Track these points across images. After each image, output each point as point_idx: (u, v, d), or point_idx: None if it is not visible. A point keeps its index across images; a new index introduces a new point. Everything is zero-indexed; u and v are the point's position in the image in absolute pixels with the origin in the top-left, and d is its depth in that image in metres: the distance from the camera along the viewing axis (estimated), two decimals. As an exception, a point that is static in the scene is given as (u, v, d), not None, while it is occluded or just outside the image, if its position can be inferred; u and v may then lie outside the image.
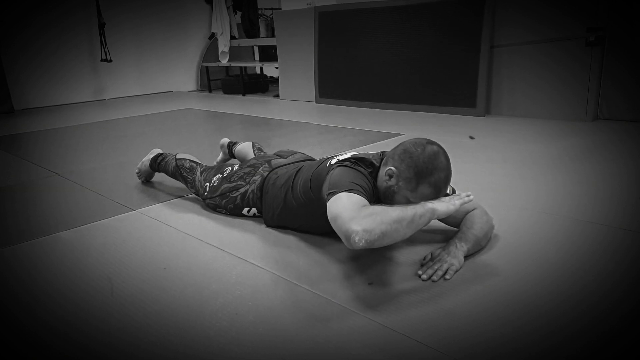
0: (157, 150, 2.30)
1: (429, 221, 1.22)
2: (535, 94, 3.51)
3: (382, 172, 1.39)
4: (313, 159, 1.93)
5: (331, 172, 1.38)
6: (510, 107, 3.65)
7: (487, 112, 3.73)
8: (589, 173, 2.19)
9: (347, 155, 1.45)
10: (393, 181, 1.34)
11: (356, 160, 1.41)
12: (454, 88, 3.81)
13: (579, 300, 1.19)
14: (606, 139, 2.82)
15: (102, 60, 5.54)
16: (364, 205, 1.21)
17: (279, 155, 1.96)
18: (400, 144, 1.39)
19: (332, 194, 1.27)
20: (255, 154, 2.18)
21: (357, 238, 1.11)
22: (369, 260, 1.43)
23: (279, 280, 1.35)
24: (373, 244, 1.12)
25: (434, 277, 1.29)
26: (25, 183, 2.47)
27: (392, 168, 1.34)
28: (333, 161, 1.45)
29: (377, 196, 1.40)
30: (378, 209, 1.19)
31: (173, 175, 2.10)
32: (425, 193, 1.31)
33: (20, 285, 1.40)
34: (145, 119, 4.45)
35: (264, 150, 2.24)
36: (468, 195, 1.29)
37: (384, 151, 1.48)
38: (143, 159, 2.30)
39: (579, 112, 3.33)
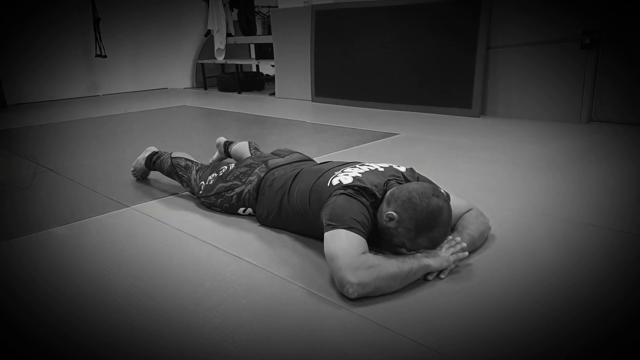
0: (152, 149, 2.28)
1: (420, 276, 1.28)
2: (531, 95, 3.52)
3: (383, 209, 1.35)
4: (310, 159, 1.93)
5: (333, 199, 1.36)
6: (506, 108, 3.66)
7: (482, 112, 3.74)
8: (583, 174, 2.20)
9: (350, 179, 1.41)
10: (392, 224, 1.32)
11: (359, 189, 1.38)
12: (449, 88, 3.82)
13: (578, 300, 1.19)
14: (600, 140, 2.84)
15: (96, 55, 5.51)
16: (363, 252, 1.24)
17: (275, 154, 1.94)
18: (406, 187, 1.34)
19: (332, 227, 1.28)
20: (251, 153, 2.17)
21: (350, 290, 1.18)
22: None
23: (274, 278, 1.35)
24: (364, 296, 1.20)
25: (429, 277, 1.29)
26: (17, 179, 2.44)
27: (394, 214, 1.30)
28: (335, 181, 1.42)
29: (375, 228, 1.38)
30: (376, 261, 1.22)
31: (168, 174, 2.09)
32: (422, 245, 1.32)
33: (14, 280, 1.38)
34: (140, 115, 4.42)
35: (261, 150, 2.22)
36: (462, 248, 1.34)
37: (388, 180, 1.43)
38: (138, 158, 2.29)
39: (573, 114, 3.35)
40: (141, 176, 2.31)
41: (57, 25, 5.38)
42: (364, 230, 1.29)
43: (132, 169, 2.31)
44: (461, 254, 1.33)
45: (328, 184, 1.43)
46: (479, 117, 3.69)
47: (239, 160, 2.22)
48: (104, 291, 1.30)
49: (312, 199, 1.47)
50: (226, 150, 2.41)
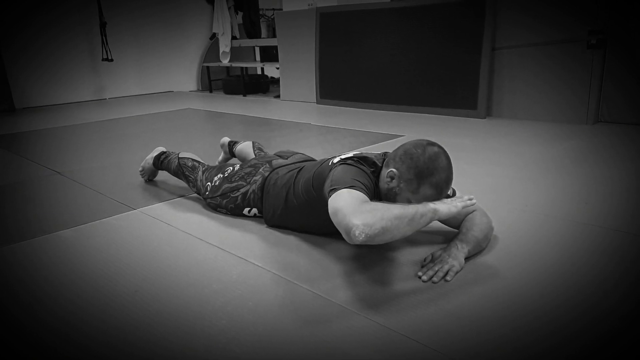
0: (161, 149, 2.30)
1: (430, 221, 1.22)
2: (537, 96, 3.51)
3: (384, 173, 1.39)
4: (314, 160, 1.94)
5: (333, 169, 1.39)
6: (511, 109, 3.66)
7: (488, 114, 3.74)
8: (589, 175, 2.19)
9: (350, 154, 1.45)
10: (394, 183, 1.34)
11: (359, 159, 1.41)
12: (454, 90, 3.81)
13: (578, 301, 1.19)
14: (607, 141, 2.83)
15: (103, 59, 5.55)
16: (365, 201, 1.21)
17: (279, 155, 1.96)
18: (401, 145, 1.40)
19: (334, 190, 1.27)
20: (255, 154, 2.18)
21: (357, 232, 1.10)
22: (370, 261, 1.43)
23: (280, 280, 1.35)
24: (373, 239, 1.11)
25: (435, 279, 1.29)
26: (25, 181, 2.47)
27: (394, 170, 1.34)
28: (336, 160, 1.45)
29: (378, 196, 1.40)
30: (379, 205, 1.20)
31: (175, 173, 2.11)
32: (427, 194, 1.31)
33: (20, 284, 1.40)
34: (146, 118, 4.45)
35: (265, 150, 2.24)
36: (470, 199, 1.29)
37: (386, 152, 1.48)
38: (146, 157, 2.31)
39: (580, 115, 3.33)
40: (149, 177, 2.33)
41: (64, 30, 5.43)
42: (366, 190, 1.28)
43: (140, 169, 2.33)
44: (469, 202, 1.28)
45: (330, 164, 1.46)
46: (484, 118, 3.68)
47: (243, 160, 2.23)
48: (110, 293, 1.31)
49: (314, 182, 1.49)
50: (231, 150, 2.42)
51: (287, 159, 1.90)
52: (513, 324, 1.10)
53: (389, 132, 3.29)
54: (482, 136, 3.10)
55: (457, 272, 1.32)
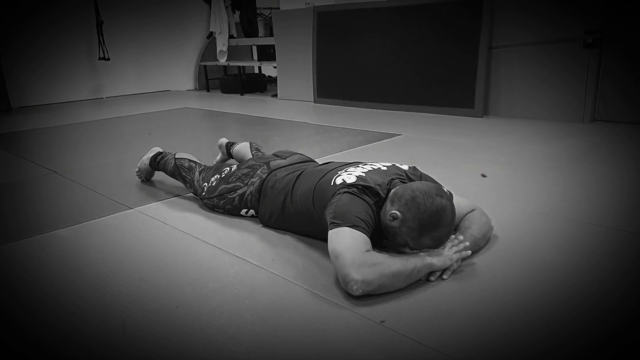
0: (157, 149, 2.30)
1: (424, 275, 1.28)
2: (533, 95, 3.52)
3: (387, 208, 1.36)
4: (312, 160, 1.93)
5: (337, 197, 1.37)
6: (509, 108, 3.66)
7: (485, 113, 3.74)
8: (587, 174, 2.19)
9: (354, 178, 1.41)
10: (396, 224, 1.32)
11: (363, 188, 1.38)
12: (452, 89, 3.82)
13: (578, 301, 1.19)
14: (604, 140, 2.83)
15: (100, 58, 5.53)
16: (367, 250, 1.24)
17: (277, 156, 1.94)
18: (410, 186, 1.35)
19: (336, 225, 1.29)
20: (253, 154, 2.18)
21: (355, 287, 1.19)
22: None
23: (277, 279, 1.35)
24: (368, 293, 1.20)
25: (431, 277, 1.29)
26: (22, 181, 2.46)
27: (397, 213, 1.31)
28: (339, 180, 1.43)
29: (378, 227, 1.39)
30: (380, 258, 1.23)
31: (172, 174, 2.10)
32: (425, 244, 1.32)
33: (17, 283, 1.39)
34: (143, 117, 4.44)
35: (262, 151, 2.23)
36: (465, 247, 1.34)
37: (392, 179, 1.44)
38: (143, 158, 2.30)
39: (576, 114, 3.34)
40: (146, 177, 2.32)
41: (61, 29, 5.41)
42: (367, 229, 1.30)
43: (136, 169, 2.32)
44: (464, 253, 1.33)
45: (331, 183, 1.44)
46: (481, 117, 3.68)
47: (240, 161, 2.23)
48: (107, 293, 1.31)
49: (315, 199, 1.48)
50: (228, 151, 2.42)
51: (285, 159, 1.88)
52: (512, 323, 1.10)
53: (387, 131, 3.29)
54: (480, 135, 3.10)
55: (453, 271, 1.33)
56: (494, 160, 2.48)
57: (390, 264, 1.22)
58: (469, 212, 1.51)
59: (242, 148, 2.30)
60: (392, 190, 1.38)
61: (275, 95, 5.41)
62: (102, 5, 5.46)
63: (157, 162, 2.19)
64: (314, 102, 4.84)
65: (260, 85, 6.12)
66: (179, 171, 2.04)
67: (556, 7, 3.27)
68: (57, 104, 5.49)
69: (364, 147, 2.87)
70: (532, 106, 3.54)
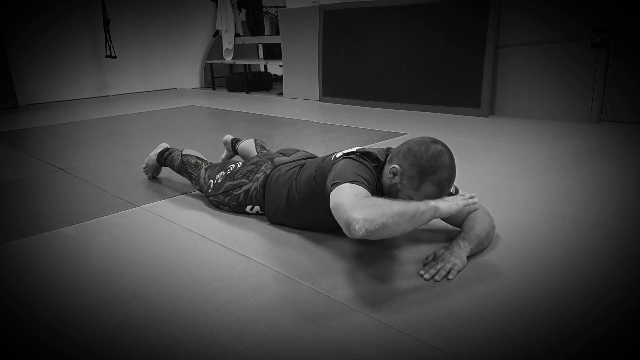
0: (165, 145, 2.31)
1: (431, 219, 1.23)
2: (540, 95, 3.50)
3: (387, 169, 1.39)
4: (316, 157, 1.94)
5: (336, 163, 1.40)
6: (515, 107, 3.65)
7: (491, 112, 3.73)
8: (592, 174, 2.18)
9: (353, 149, 1.45)
10: (397, 179, 1.34)
11: (362, 154, 1.41)
12: (458, 88, 3.81)
13: (579, 300, 1.19)
14: (610, 140, 2.82)
15: (106, 56, 5.56)
16: (366, 196, 1.23)
17: (282, 153, 1.96)
18: (405, 142, 1.40)
19: (336, 184, 1.28)
20: (257, 152, 2.19)
21: (357, 226, 1.11)
22: (372, 258, 1.44)
23: (282, 277, 1.36)
24: (373, 234, 1.12)
25: (437, 277, 1.29)
26: (29, 178, 2.48)
27: (396, 166, 1.34)
28: (338, 154, 1.46)
29: (380, 191, 1.41)
30: (380, 200, 1.20)
31: (178, 170, 2.11)
32: (428, 192, 1.31)
33: (22, 281, 1.40)
34: (149, 115, 4.46)
35: (267, 148, 2.24)
36: (472, 197, 1.30)
37: (389, 148, 1.49)
38: (150, 154, 2.32)
39: (583, 114, 3.32)
40: (153, 174, 2.33)
41: (68, 27, 5.44)
42: (368, 185, 1.29)
43: (144, 165, 2.34)
44: (471, 200, 1.29)
45: (332, 159, 1.47)
46: (487, 116, 3.67)
47: (245, 158, 2.24)
48: (112, 290, 1.32)
49: (317, 177, 1.50)
50: (233, 148, 2.43)
51: (289, 156, 1.90)
52: (514, 323, 1.10)
53: (392, 130, 3.29)
54: (485, 135, 3.09)
55: (459, 271, 1.32)
56: (498, 160, 2.48)
57: (392, 204, 1.17)
58: (472, 212, 1.51)
59: (247, 145, 2.31)
60: (390, 154, 1.42)
61: (281, 94, 5.42)
62: (109, 3, 5.48)
63: (164, 158, 2.20)
64: (320, 100, 4.84)
65: (266, 83, 6.13)
66: (185, 167, 2.05)
67: (564, 6, 3.25)
68: (64, 102, 5.52)
69: (369, 146, 2.86)
70: (538, 106, 3.52)
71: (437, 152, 1.31)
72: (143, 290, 1.31)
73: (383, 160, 1.43)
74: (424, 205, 1.21)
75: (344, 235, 1.26)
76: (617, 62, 3.19)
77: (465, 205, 1.28)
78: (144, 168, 2.34)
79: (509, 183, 2.12)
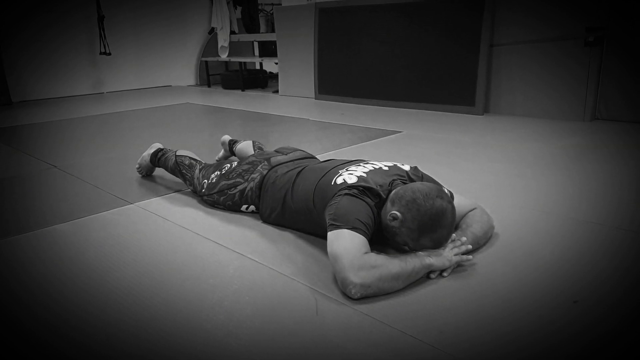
0: (158, 145, 2.30)
1: (423, 275, 1.28)
2: (534, 93, 3.52)
3: (388, 209, 1.36)
4: (313, 157, 1.93)
5: (337, 199, 1.37)
6: (509, 106, 3.66)
7: (485, 110, 3.74)
8: (586, 172, 2.19)
9: (354, 179, 1.41)
10: (396, 224, 1.33)
11: (364, 190, 1.38)
12: (453, 86, 3.81)
13: (579, 299, 1.18)
14: (604, 138, 2.83)
15: (101, 53, 5.53)
16: (365, 252, 1.24)
17: (279, 152, 1.94)
18: (410, 186, 1.36)
19: (335, 227, 1.29)
20: (255, 152, 2.17)
21: (353, 291, 1.19)
22: None
23: (277, 275, 1.36)
24: (366, 296, 1.20)
25: (432, 275, 1.30)
26: (22, 175, 2.46)
27: (397, 213, 1.32)
28: (339, 180, 1.42)
29: (379, 226, 1.39)
30: (379, 261, 1.23)
31: (172, 171, 2.10)
32: (425, 245, 1.32)
33: (15, 278, 1.40)
34: (143, 113, 4.44)
35: (265, 149, 2.23)
36: (467, 251, 1.33)
37: (393, 180, 1.44)
38: (143, 154, 2.30)
39: (577, 112, 3.34)
40: (146, 173, 2.32)
41: (62, 22, 5.40)
42: (367, 231, 1.30)
43: (137, 165, 2.33)
44: (465, 257, 1.33)
45: (332, 183, 1.44)
46: (482, 114, 3.68)
47: (242, 158, 2.23)
48: (106, 288, 1.31)
49: (316, 198, 1.48)
50: (231, 148, 2.42)
51: (286, 155, 1.88)
52: (513, 323, 1.10)
53: (387, 128, 3.29)
54: (480, 133, 3.10)
55: (453, 269, 1.33)
56: (493, 158, 2.48)
57: (389, 266, 1.22)
58: (470, 211, 1.51)
59: (245, 147, 2.30)
60: (393, 191, 1.38)
61: (277, 92, 5.41)
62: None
63: (157, 159, 2.19)
64: (315, 98, 4.84)
65: (261, 81, 6.12)
66: (179, 168, 2.04)
67: (558, 5, 3.26)
68: (58, 99, 5.49)
69: (364, 144, 2.87)
70: (532, 104, 3.53)
71: (441, 210, 1.28)
72: (137, 288, 1.30)
73: (384, 197, 1.39)
74: (419, 264, 1.26)
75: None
76: (611, 61, 3.20)
77: (458, 262, 1.33)
78: (137, 168, 2.32)
79: (504, 181, 2.12)
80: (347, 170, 1.48)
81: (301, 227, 1.61)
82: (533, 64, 3.46)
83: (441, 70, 3.85)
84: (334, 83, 4.66)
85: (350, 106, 4.35)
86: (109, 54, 5.56)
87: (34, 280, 1.37)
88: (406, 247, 1.37)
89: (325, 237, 1.33)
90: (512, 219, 1.69)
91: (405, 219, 1.30)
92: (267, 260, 1.44)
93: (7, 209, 1.98)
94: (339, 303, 1.20)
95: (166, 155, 2.15)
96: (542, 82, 3.46)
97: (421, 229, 1.29)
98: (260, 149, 2.23)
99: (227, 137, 2.47)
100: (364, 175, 1.44)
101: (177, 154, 2.10)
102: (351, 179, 1.41)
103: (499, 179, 2.15)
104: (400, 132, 3.17)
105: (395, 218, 1.32)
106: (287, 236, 1.61)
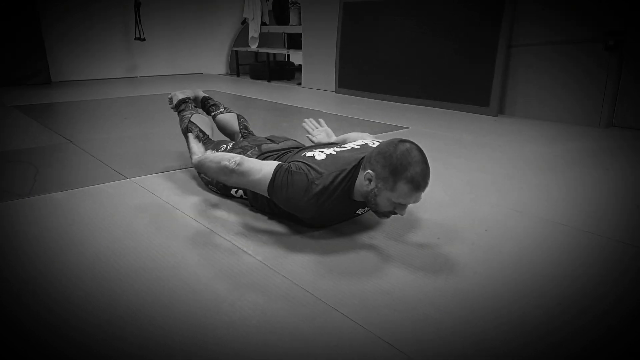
0: (188, 92, 2.38)
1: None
2: (550, 96, 3.45)
3: (361, 176, 1.41)
4: (305, 147, 1.98)
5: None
6: (524, 108, 3.60)
7: (500, 112, 3.69)
8: (592, 178, 2.16)
9: (323, 156, 1.50)
10: (372, 184, 1.36)
11: (311, 168, 1.44)
12: (468, 86, 3.78)
13: (577, 300, 1.19)
14: (616, 146, 2.75)
15: (135, 38, 5.74)
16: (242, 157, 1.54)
17: (271, 139, 1.98)
18: (375, 147, 1.42)
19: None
20: (241, 132, 2.23)
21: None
22: (348, 258, 1.45)
23: (275, 274, 1.38)
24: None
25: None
26: (37, 148, 2.60)
27: (370, 171, 1.36)
28: (308, 154, 1.52)
29: (347, 194, 1.44)
30: (227, 155, 1.55)
31: (183, 132, 2.16)
32: (404, 190, 1.32)
33: (5, 241, 1.53)
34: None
35: (250, 129, 2.28)
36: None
37: (364, 156, 1.47)
38: (178, 93, 2.37)
39: (593, 118, 3.26)
40: (194, 102, 2.38)
41: (100, 9, 5.65)
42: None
43: (169, 97, 2.40)
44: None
45: (301, 155, 1.53)
46: (496, 116, 3.64)
47: (222, 128, 2.30)
48: (78, 255, 1.42)
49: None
50: (206, 108, 2.42)
51: (277, 143, 1.93)
52: (514, 323, 1.09)
53: (396, 123, 3.31)
54: (484, 133, 3.07)
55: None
56: (488, 158, 2.47)
57: (224, 157, 1.55)
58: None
59: (230, 120, 2.30)
60: (362, 162, 1.44)
61: (300, 84, 5.48)
62: (141, -14, 5.65)
63: (179, 111, 2.26)
64: (335, 92, 4.89)
65: (288, 72, 6.21)
66: (186, 134, 2.08)
67: (578, 7, 3.18)
68: (94, 80, 5.74)
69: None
70: (548, 107, 3.47)
71: (406, 149, 1.32)
72: (113, 256, 1.40)
73: (352, 168, 1.43)
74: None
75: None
76: (631, 67, 3.10)
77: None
78: (169, 99, 2.38)
79: (487, 179, 2.12)
80: (319, 149, 1.55)
81: (289, 214, 1.61)
82: (550, 66, 3.40)
83: (458, 69, 3.83)
84: (354, 77, 4.69)
85: (367, 101, 4.37)
86: (144, 39, 5.77)
87: (22, 242, 1.49)
88: (394, 211, 1.40)
89: (305, 222, 1.38)
90: (503, 222, 1.66)
91: (378, 172, 1.35)
92: (252, 249, 1.44)
93: (13, 177, 2.11)
94: (325, 304, 1.16)
95: (183, 114, 2.18)
96: (558, 86, 3.39)
97: (394, 172, 1.32)
98: (246, 127, 2.24)
99: (201, 93, 2.50)
100: (334, 153, 1.50)
101: (191, 119, 2.13)
102: (320, 156, 1.49)
103: (485, 178, 2.14)
104: (407, 128, 3.18)
105: (369, 179, 1.36)
106: (274, 226, 1.62)
